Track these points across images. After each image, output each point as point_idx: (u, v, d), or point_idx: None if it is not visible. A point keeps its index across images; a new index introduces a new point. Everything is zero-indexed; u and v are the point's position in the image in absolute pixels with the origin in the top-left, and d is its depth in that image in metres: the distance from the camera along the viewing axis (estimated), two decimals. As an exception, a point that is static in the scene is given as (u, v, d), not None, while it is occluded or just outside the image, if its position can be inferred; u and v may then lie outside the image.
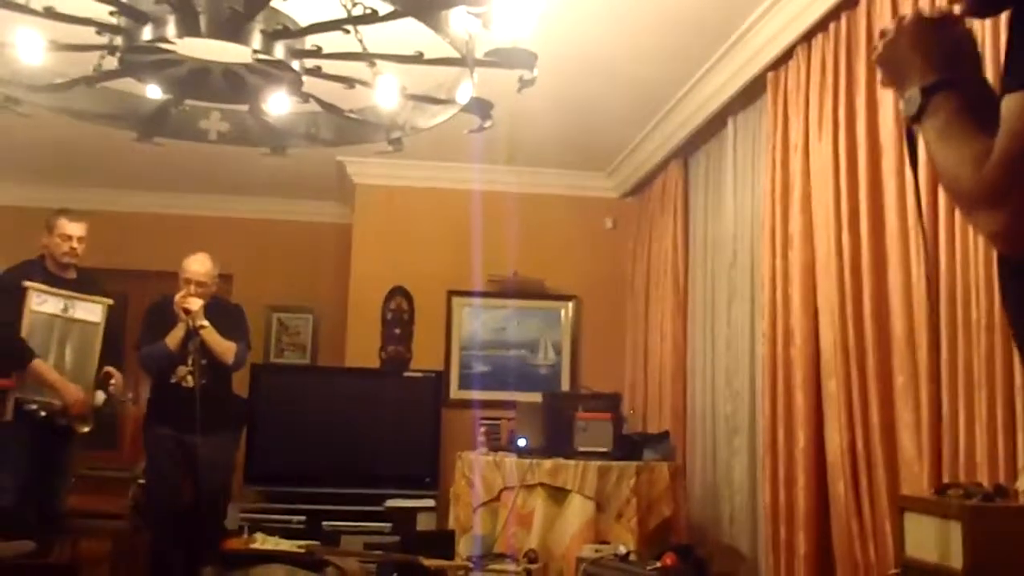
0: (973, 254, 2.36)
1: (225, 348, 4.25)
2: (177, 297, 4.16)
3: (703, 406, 4.62)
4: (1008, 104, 1.06)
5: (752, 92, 4.04)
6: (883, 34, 1.31)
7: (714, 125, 4.51)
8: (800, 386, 3.30)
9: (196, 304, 4.15)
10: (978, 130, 1.11)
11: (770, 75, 3.76)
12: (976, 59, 1.32)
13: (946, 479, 2.42)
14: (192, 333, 4.14)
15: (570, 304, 5.90)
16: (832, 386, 3.09)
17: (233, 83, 2.66)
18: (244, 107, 2.95)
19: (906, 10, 2.62)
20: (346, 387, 5.61)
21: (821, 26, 3.33)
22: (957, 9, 1.30)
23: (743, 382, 4.09)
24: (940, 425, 2.51)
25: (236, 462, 4.81)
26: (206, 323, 4.16)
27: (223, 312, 4.38)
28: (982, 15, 1.37)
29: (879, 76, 1.36)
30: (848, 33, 3.15)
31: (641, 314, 5.47)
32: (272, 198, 6.43)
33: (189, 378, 4.15)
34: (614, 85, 4.40)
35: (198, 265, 4.24)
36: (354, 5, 2.26)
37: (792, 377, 3.36)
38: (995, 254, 1.27)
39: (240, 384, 4.85)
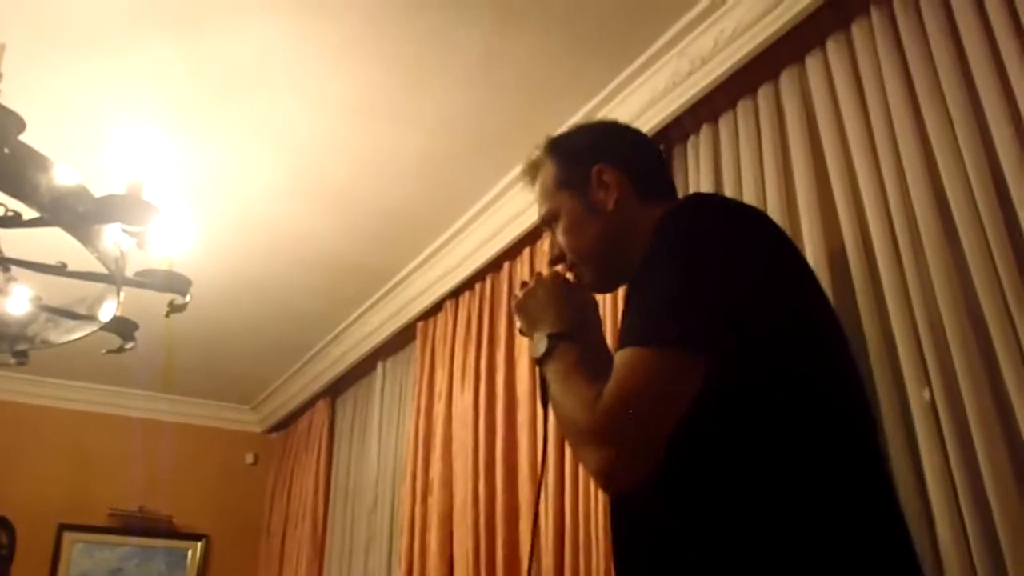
0: (595, 503, 2.53)
1: None
2: None
3: (333, 659, 4.38)
4: (618, 358, 1.21)
5: (402, 339, 4.20)
6: (524, 284, 1.51)
7: (364, 367, 4.60)
8: (432, 637, 3.25)
9: None
10: (594, 378, 1.25)
11: (420, 324, 3.95)
12: (597, 322, 1.53)
13: None
14: None
15: (199, 544, 5.47)
16: (463, 636, 3.08)
17: None
18: None
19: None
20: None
21: (468, 284, 3.60)
22: (585, 279, 1.52)
23: (376, 632, 3.96)
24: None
25: None
26: None
27: None
28: (603, 291, 1.60)
29: (517, 323, 1.52)
30: (492, 293, 3.43)
31: (275, 557, 5.18)
32: None
33: None
34: (268, 319, 4.39)
35: None
36: (-6, 205, 2.11)
37: (425, 627, 3.32)
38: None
39: None
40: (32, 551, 5.04)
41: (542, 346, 1.40)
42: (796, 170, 2.19)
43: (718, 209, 1.37)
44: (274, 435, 5.79)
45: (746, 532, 1.14)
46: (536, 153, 1.61)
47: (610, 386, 1.20)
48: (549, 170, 1.56)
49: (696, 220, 1.30)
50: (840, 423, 1.22)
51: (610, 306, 2.45)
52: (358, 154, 3.07)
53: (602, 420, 1.19)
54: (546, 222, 1.57)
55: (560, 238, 1.53)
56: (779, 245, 1.34)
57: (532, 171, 1.60)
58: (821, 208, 2.10)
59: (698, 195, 1.45)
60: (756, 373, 1.18)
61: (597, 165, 1.49)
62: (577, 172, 1.51)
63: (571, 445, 1.30)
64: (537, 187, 1.59)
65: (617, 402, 1.18)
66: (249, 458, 5.81)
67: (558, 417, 1.32)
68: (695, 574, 1.17)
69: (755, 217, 1.40)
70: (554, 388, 1.34)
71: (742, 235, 1.29)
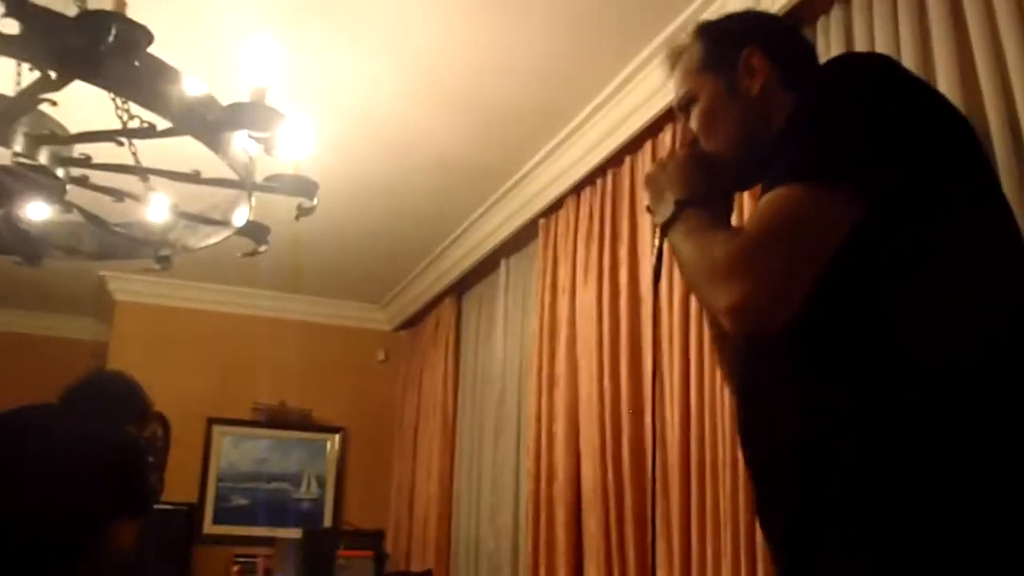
0: (720, 396, 2.52)
1: None
2: None
3: (467, 543, 4.58)
4: (762, 199, 1.15)
5: (525, 236, 4.22)
6: (657, 158, 1.45)
7: (488, 265, 4.66)
8: (562, 524, 3.35)
9: None
10: (725, 228, 1.21)
11: (542, 221, 3.95)
12: (730, 205, 1.47)
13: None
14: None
15: (337, 436, 5.76)
16: (592, 524, 3.15)
17: (-13, 185, 2.48)
18: (-4, 212, 2.74)
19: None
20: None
21: (590, 180, 3.56)
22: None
23: (507, 519, 4.10)
24: (691, 560, 2.61)
25: None
26: None
27: None
28: (733, 184, 1.49)
29: (645, 200, 1.46)
30: (614, 188, 3.38)
31: (409, 449, 5.41)
32: (19, 311, 5.98)
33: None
34: (393, 220, 4.48)
35: None
36: (131, 118, 2.19)
37: (554, 515, 3.41)
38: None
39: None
40: (186, 443, 5.39)
41: (667, 211, 1.31)
42: (936, 52, 2.04)
43: (885, 59, 1.30)
44: (403, 333, 5.97)
45: (887, 400, 1.05)
46: (682, 38, 1.50)
47: (751, 220, 1.14)
48: (694, 52, 1.46)
49: (860, 64, 1.27)
50: (1001, 297, 1.10)
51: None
52: (475, 52, 3.04)
53: (741, 250, 1.12)
54: (681, 106, 1.47)
55: (693, 123, 1.43)
56: (954, 115, 1.23)
57: (676, 55, 1.50)
58: (963, 91, 1.96)
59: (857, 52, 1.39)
60: (914, 225, 1.10)
61: (747, 48, 1.40)
62: (725, 54, 1.42)
63: (701, 289, 1.21)
64: (678, 70, 1.48)
65: (761, 230, 1.11)
66: (380, 355, 6.03)
67: (686, 266, 1.24)
68: (831, 449, 1.09)
69: (928, 85, 1.31)
70: (681, 246, 1.25)
71: (911, 88, 1.21)
